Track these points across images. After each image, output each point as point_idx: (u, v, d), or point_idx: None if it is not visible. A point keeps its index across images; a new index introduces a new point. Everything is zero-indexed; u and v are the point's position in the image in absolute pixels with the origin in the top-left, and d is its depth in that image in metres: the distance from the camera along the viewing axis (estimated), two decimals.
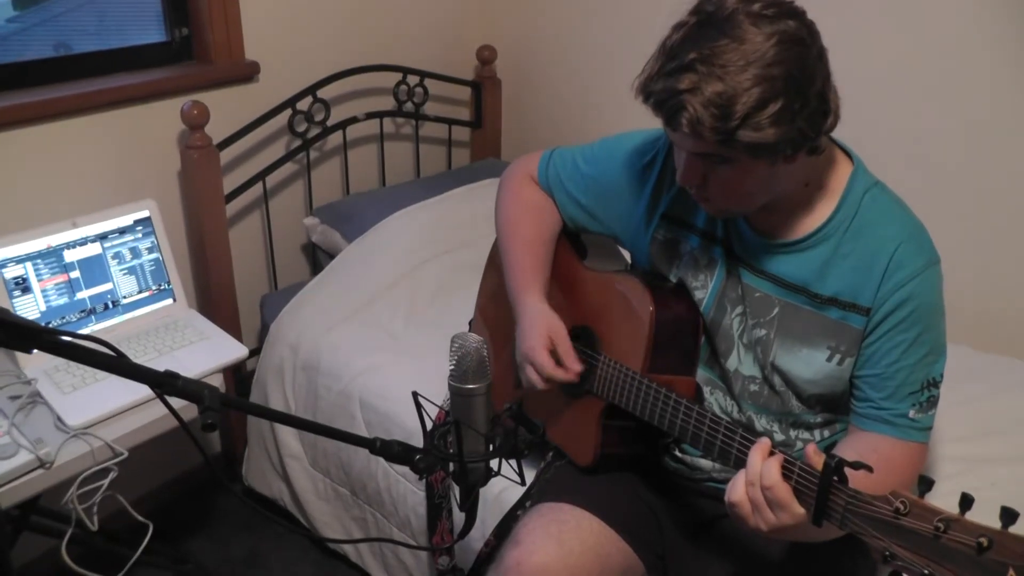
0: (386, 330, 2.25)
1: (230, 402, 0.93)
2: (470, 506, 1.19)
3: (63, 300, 1.83)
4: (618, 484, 1.52)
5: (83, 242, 1.87)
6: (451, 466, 1.15)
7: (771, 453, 1.13)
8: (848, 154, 1.37)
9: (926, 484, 0.98)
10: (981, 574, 0.91)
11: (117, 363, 0.88)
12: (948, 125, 2.25)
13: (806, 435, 1.44)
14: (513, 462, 1.16)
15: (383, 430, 2.00)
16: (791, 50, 1.13)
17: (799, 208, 1.33)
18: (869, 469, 1.04)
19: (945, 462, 1.73)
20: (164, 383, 0.90)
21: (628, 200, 1.53)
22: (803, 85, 1.14)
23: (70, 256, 1.84)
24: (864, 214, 1.32)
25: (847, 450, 1.31)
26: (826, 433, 1.45)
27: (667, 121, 1.19)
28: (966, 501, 0.93)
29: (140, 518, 1.66)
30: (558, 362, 1.46)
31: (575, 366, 1.46)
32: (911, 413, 1.30)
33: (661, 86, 1.16)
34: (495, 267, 1.73)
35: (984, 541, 0.91)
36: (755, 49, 1.11)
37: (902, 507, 0.98)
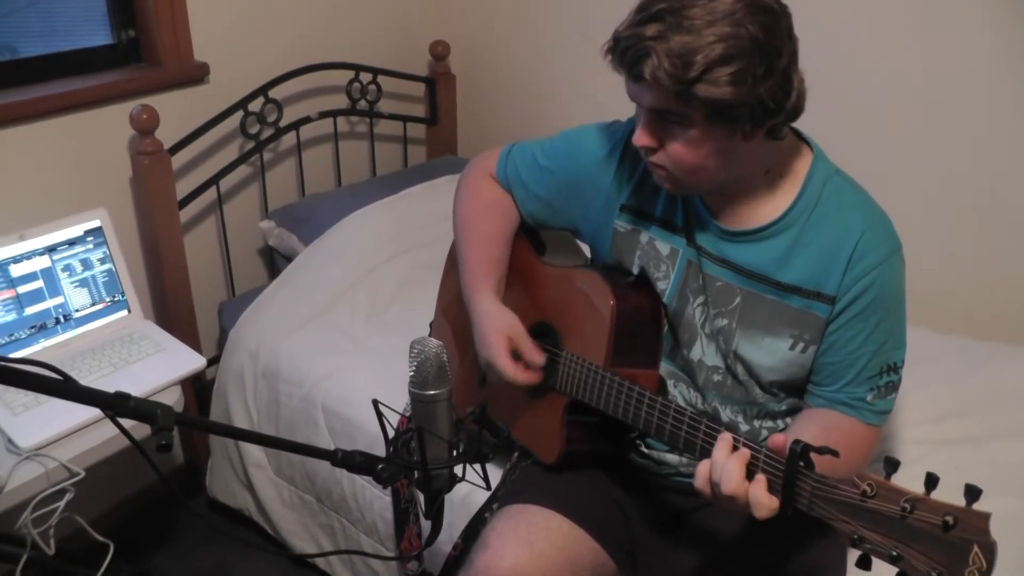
0: (347, 333, 2.23)
1: (185, 421, 0.91)
2: (435, 513, 1.18)
3: (11, 316, 1.77)
4: (585, 482, 1.51)
5: (30, 255, 1.81)
6: (415, 473, 1.13)
7: (734, 447, 1.13)
8: (807, 143, 1.37)
9: (892, 465, 0.98)
10: (947, 551, 0.92)
11: (65, 387, 0.85)
12: (905, 109, 2.27)
13: (770, 424, 1.44)
14: (478, 467, 1.15)
15: (347, 436, 1.98)
16: (761, 16, 1.15)
17: (759, 196, 1.33)
18: (835, 454, 1.04)
19: (908, 446, 1.74)
20: (116, 404, 0.87)
21: (588, 192, 1.52)
22: (768, 52, 1.15)
23: (17, 271, 1.79)
24: (826, 202, 1.32)
25: (809, 424, 1.32)
26: (790, 421, 1.45)
27: (629, 70, 1.19)
28: (931, 480, 0.94)
29: (100, 538, 1.62)
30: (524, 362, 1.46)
31: (538, 359, 1.45)
32: (868, 397, 1.32)
33: (627, 34, 1.17)
34: (455, 268, 1.71)
35: (950, 519, 0.91)
36: (725, 8, 1.13)
37: (868, 489, 0.98)
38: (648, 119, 1.25)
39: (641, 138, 1.26)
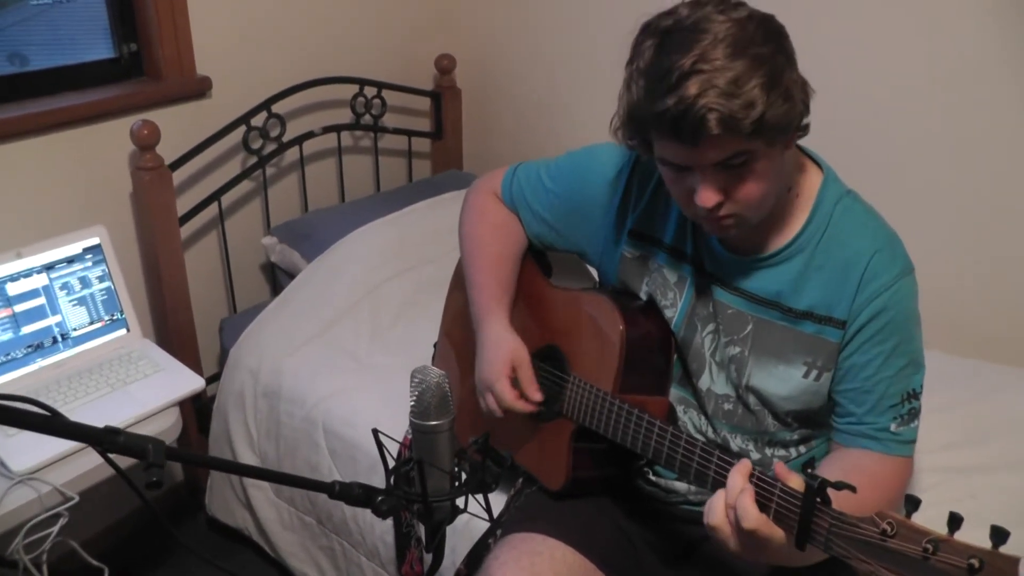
0: (349, 353, 2.19)
1: (176, 456, 0.87)
2: (437, 544, 1.14)
3: (7, 336, 1.74)
4: (592, 510, 1.47)
5: (28, 274, 1.78)
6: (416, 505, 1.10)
7: (752, 474, 1.09)
8: (817, 163, 1.33)
9: (912, 504, 0.94)
10: None
11: (52, 423, 0.81)
12: (913, 125, 2.23)
13: (782, 452, 1.40)
14: (480, 497, 1.11)
15: (348, 457, 1.94)
16: (770, 26, 1.13)
17: (772, 221, 1.29)
18: (852, 489, 1.00)
19: (923, 474, 1.70)
20: (105, 440, 0.84)
21: (595, 217, 1.48)
22: (792, 57, 1.14)
23: (14, 289, 1.76)
24: (837, 224, 1.29)
25: (831, 468, 1.27)
26: (802, 450, 1.41)
27: (688, 135, 1.10)
28: (954, 521, 0.90)
29: (94, 562, 1.58)
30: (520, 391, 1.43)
31: (536, 395, 1.43)
32: (893, 427, 1.27)
33: (672, 101, 1.08)
34: (460, 287, 1.67)
35: (975, 562, 0.87)
36: (740, 36, 1.09)
37: (888, 528, 0.94)
38: (710, 176, 1.16)
39: (711, 198, 1.17)
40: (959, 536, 0.90)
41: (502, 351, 1.45)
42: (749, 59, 1.08)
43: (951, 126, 2.18)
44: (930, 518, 0.93)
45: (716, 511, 1.09)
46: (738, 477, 1.08)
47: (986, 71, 2.10)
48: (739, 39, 1.08)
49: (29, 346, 1.78)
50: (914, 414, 1.29)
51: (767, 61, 1.09)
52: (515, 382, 1.43)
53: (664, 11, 1.16)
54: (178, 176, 2.28)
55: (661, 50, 1.12)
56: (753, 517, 1.04)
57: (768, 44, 1.10)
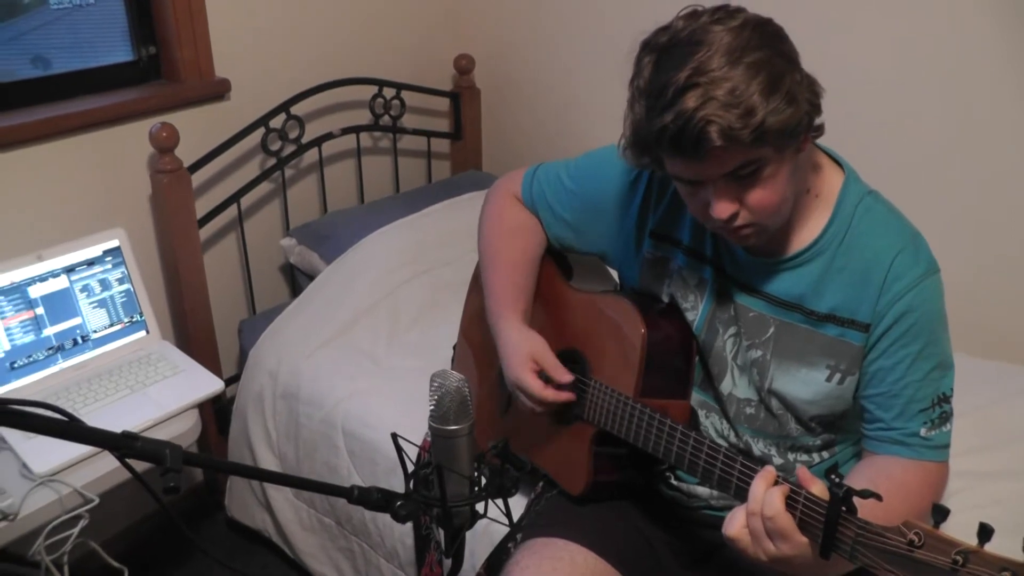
0: (367, 354, 2.19)
1: (193, 461, 0.87)
2: (456, 549, 1.13)
3: (29, 338, 1.75)
4: (612, 515, 1.46)
5: (49, 276, 1.79)
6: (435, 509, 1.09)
7: (776, 482, 1.07)
8: (838, 163, 1.31)
9: (941, 513, 0.92)
10: None
11: (70, 428, 0.81)
12: (944, 129, 2.20)
13: (805, 458, 1.39)
14: (500, 501, 1.10)
15: (367, 459, 1.94)
16: (766, 30, 1.11)
17: (794, 222, 1.27)
18: (878, 498, 0.98)
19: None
20: (122, 445, 0.84)
21: (615, 217, 1.47)
22: (793, 58, 1.12)
23: (35, 291, 1.77)
24: (858, 225, 1.26)
25: (859, 476, 1.25)
26: (825, 455, 1.39)
27: (691, 150, 1.09)
28: (984, 532, 0.88)
29: (114, 563, 1.59)
30: (548, 382, 1.41)
31: (564, 376, 1.41)
32: (923, 431, 1.24)
33: (671, 117, 1.07)
34: (478, 289, 1.67)
35: (1008, 575, 0.85)
36: (736, 44, 1.07)
37: (916, 539, 0.92)
38: (722, 187, 1.15)
39: (725, 209, 1.16)
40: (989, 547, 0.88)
41: (520, 348, 1.44)
42: (745, 66, 1.06)
43: (969, 124, 2.15)
44: (955, 525, 0.91)
45: (735, 522, 1.08)
46: (761, 484, 1.07)
47: (1005, 69, 2.07)
48: (734, 47, 1.07)
49: (50, 348, 1.79)
50: (945, 418, 1.26)
51: (765, 66, 1.07)
52: (542, 375, 1.42)
53: (661, 26, 1.15)
54: (197, 178, 2.29)
55: (659, 67, 1.11)
56: (781, 514, 1.03)
57: (765, 49, 1.08)
